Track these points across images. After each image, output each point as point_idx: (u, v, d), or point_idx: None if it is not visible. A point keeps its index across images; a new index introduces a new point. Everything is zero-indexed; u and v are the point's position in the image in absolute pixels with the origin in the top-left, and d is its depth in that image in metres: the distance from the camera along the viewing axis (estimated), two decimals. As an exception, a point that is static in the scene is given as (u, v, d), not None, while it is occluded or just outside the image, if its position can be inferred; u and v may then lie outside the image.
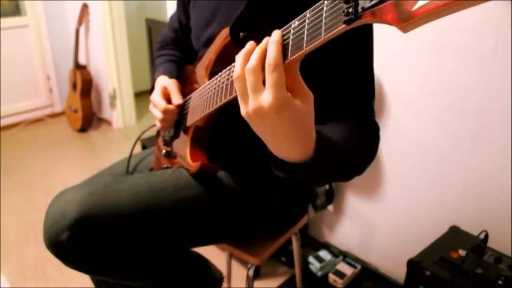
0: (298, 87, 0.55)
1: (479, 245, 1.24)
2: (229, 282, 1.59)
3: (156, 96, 1.00)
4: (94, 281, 1.10)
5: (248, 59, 0.56)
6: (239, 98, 0.58)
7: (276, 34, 0.55)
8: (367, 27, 0.79)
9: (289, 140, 0.57)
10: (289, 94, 0.53)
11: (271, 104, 0.53)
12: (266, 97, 0.53)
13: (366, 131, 0.77)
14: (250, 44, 0.58)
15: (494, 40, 1.25)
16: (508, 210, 1.34)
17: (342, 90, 0.79)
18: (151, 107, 1.03)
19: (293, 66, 0.54)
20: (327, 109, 0.76)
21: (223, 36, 0.86)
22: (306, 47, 0.50)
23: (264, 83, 0.54)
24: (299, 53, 0.52)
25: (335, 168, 0.69)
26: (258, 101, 0.54)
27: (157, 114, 1.00)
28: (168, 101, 1.00)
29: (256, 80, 0.55)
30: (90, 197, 0.83)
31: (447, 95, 1.40)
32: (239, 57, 0.58)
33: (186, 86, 1.03)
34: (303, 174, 0.63)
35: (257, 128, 0.58)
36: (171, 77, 1.05)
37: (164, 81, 1.02)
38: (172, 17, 1.21)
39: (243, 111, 0.58)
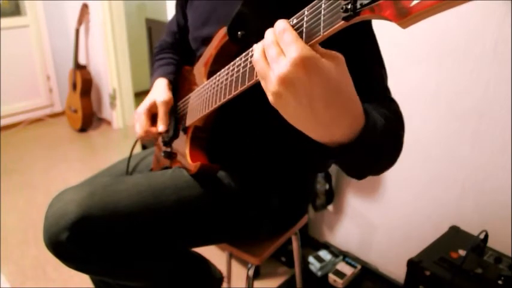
0: (323, 54, 0.50)
1: (479, 245, 1.24)
2: (229, 282, 1.59)
3: (142, 112, 1.02)
4: (94, 281, 1.10)
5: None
6: (264, 84, 0.53)
7: (281, 22, 0.53)
8: (367, 23, 0.80)
9: (329, 108, 0.50)
10: (314, 51, 0.49)
11: (296, 58, 0.48)
12: (289, 52, 0.49)
13: (396, 110, 0.76)
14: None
15: (494, 40, 1.25)
16: (508, 210, 1.34)
17: (364, 80, 0.78)
18: (135, 119, 1.04)
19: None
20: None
21: (221, 35, 0.86)
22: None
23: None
24: None
25: (386, 148, 0.63)
26: (281, 65, 0.49)
27: (138, 130, 1.03)
28: (155, 117, 1.02)
29: (277, 50, 0.51)
30: (90, 197, 0.83)
31: (447, 94, 1.40)
32: (258, 44, 0.55)
33: (185, 86, 1.03)
34: (355, 153, 0.57)
35: (291, 107, 0.52)
36: (168, 79, 1.06)
37: (158, 95, 1.02)
38: (170, 22, 1.22)
39: (271, 96, 0.53)
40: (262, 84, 0.54)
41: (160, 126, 1.00)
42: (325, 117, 0.52)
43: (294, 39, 0.49)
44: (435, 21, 1.36)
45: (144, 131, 1.00)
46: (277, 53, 0.50)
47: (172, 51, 1.18)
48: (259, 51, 0.53)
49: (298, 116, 0.52)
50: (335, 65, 0.50)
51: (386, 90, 0.82)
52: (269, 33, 0.53)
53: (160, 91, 1.03)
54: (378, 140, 0.59)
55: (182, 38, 1.16)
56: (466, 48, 1.31)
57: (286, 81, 0.49)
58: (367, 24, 0.81)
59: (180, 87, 1.04)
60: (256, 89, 0.61)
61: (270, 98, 0.53)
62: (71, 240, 0.79)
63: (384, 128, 0.61)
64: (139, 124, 1.02)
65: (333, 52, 0.51)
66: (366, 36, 0.81)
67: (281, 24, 0.52)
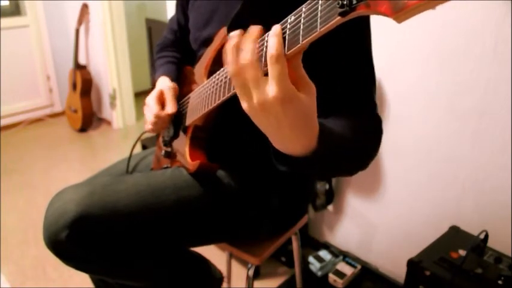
0: (301, 80, 0.54)
1: (479, 245, 1.24)
2: (229, 282, 1.59)
3: (151, 100, 1.00)
4: (94, 280, 1.10)
5: (238, 52, 0.55)
6: (239, 94, 0.56)
7: (276, 27, 0.54)
8: (364, 20, 0.79)
9: (293, 133, 0.56)
10: (293, 86, 0.53)
11: (277, 96, 0.52)
12: (270, 89, 0.52)
13: (368, 124, 0.77)
14: (236, 35, 0.57)
15: (494, 40, 1.25)
16: (508, 210, 1.34)
17: (343, 83, 0.78)
18: (145, 109, 1.03)
19: (294, 59, 0.54)
20: (328, 103, 0.76)
21: (221, 35, 0.86)
22: (302, 41, 0.51)
23: (265, 75, 0.54)
24: (296, 47, 0.52)
25: (338, 162, 0.68)
26: (262, 94, 0.53)
27: (149, 117, 1.00)
28: (163, 105, 1.00)
29: (256, 73, 0.54)
30: (90, 196, 0.83)
31: (447, 94, 1.40)
32: (230, 53, 0.56)
33: (185, 86, 1.03)
34: (306, 167, 0.63)
35: (261, 122, 0.57)
36: (171, 78, 1.05)
37: (163, 85, 1.02)
38: (171, 19, 1.22)
39: (246, 106, 0.56)
40: (238, 92, 0.57)
41: (170, 108, 0.97)
42: (287, 136, 0.57)
43: (281, 74, 0.52)
44: (435, 21, 1.36)
45: (154, 116, 0.97)
46: (258, 79, 0.53)
47: (174, 49, 1.18)
48: (235, 65, 0.55)
49: (264, 127, 0.58)
50: (308, 97, 0.54)
51: (368, 102, 0.81)
52: (248, 50, 0.54)
53: (165, 82, 1.03)
54: (328, 159, 0.64)
55: (182, 37, 1.16)
56: (466, 48, 1.31)
57: (263, 107, 0.54)
58: (363, 31, 0.80)
59: (180, 87, 1.04)
60: None
61: (243, 106, 0.57)
62: (71, 239, 0.79)
63: (339, 148, 0.66)
64: (148, 111, 1.00)
65: (308, 82, 0.55)
66: (360, 42, 0.80)
67: (274, 47, 0.52)
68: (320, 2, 0.48)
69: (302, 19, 0.51)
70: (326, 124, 0.65)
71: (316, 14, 0.48)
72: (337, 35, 0.57)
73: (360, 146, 0.73)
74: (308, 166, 0.62)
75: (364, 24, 0.80)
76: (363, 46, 0.80)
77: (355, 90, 0.79)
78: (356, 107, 0.78)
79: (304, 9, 0.51)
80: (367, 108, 0.79)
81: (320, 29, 0.48)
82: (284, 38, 0.53)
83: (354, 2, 0.43)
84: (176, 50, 1.18)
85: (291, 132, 0.56)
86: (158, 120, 0.98)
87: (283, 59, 0.52)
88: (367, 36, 0.81)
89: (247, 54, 0.54)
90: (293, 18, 0.53)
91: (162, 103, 1.00)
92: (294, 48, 0.52)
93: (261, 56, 0.55)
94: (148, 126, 1.02)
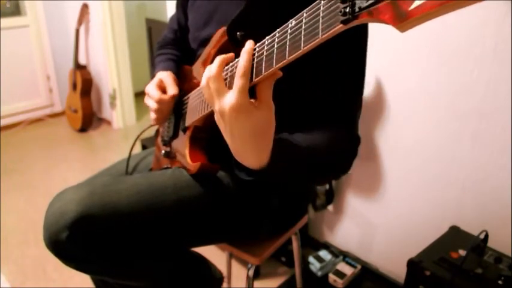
0: (264, 98, 0.60)
1: (479, 245, 1.24)
2: (229, 282, 1.59)
3: (151, 87, 1.00)
4: (94, 281, 1.10)
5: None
6: (209, 102, 0.65)
7: (249, 44, 0.60)
8: (361, 33, 0.79)
9: (244, 144, 0.62)
10: (251, 100, 0.60)
11: (233, 104, 0.59)
12: (229, 98, 0.60)
13: (343, 143, 0.79)
14: (229, 54, 0.65)
15: (494, 40, 1.25)
16: (508, 210, 1.34)
17: (328, 98, 0.79)
18: (146, 99, 1.02)
19: (269, 80, 0.59)
20: (310, 115, 0.78)
21: (219, 35, 0.86)
22: (303, 47, 0.50)
23: (228, 87, 0.61)
24: (297, 53, 0.52)
25: (297, 176, 0.74)
26: (222, 102, 0.61)
27: (152, 104, 1.00)
28: (164, 92, 1.00)
29: (219, 86, 0.61)
30: (90, 196, 0.83)
31: (447, 94, 1.40)
32: (206, 70, 0.65)
33: (184, 85, 1.03)
34: (261, 178, 0.68)
35: (221, 129, 0.65)
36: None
37: (160, 75, 1.03)
38: (172, 18, 1.22)
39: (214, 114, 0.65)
40: (208, 100, 0.65)
41: (172, 90, 0.98)
42: (240, 146, 0.64)
43: (242, 87, 0.58)
44: (435, 21, 1.36)
45: (157, 101, 0.97)
46: (219, 90, 0.61)
47: (174, 47, 1.18)
48: (205, 81, 0.64)
49: (225, 135, 0.65)
50: (262, 115, 0.60)
51: (351, 122, 0.81)
52: (215, 65, 0.62)
53: (161, 74, 1.04)
54: (281, 174, 0.70)
55: (182, 36, 1.16)
56: (466, 48, 1.31)
57: (221, 113, 0.62)
58: (359, 44, 0.80)
59: (179, 86, 1.04)
60: (253, 89, 0.62)
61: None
62: (71, 239, 0.79)
63: (300, 164, 0.72)
64: (150, 97, 0.99)
65: (268, 101, 0.60)
66: (352, 57, 0.80)
67: (243, 64, 0.59)
68: (322, 8, 0.47)
69: (303, 25, 0.50)
70: (289, 139, 0.71)
71: (318, 21, 0.48)
72: (333, 46, 0.59)
73: (325, 164, 0.76)
74: (262, 177, 0.67)
75: (361, 37, 0.79)
76: (356, 63, 0.81)
77: (340, 108, 0.80)
78: (337, 124, 0.79)
79: (305, 15, 0.50)
80: (347, 127, 0.81)
81: (322, 35, 0.47)
82: (285, 43, 0.53)
83: (357, 10, 0.42)
84: (176, 48, 1.18)
85: (242, 144, 0.62)
86: (162, 105, 0.98)
87: (248, 75, 0.58)
88: (362, 51, 0.80)
89: (213, 69, 0.62)
90: (294, 23, 0.52)
91: (162, 90, 1.00)
92: (295, 54, 0.52)
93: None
94: (153, 115, 1.02)
